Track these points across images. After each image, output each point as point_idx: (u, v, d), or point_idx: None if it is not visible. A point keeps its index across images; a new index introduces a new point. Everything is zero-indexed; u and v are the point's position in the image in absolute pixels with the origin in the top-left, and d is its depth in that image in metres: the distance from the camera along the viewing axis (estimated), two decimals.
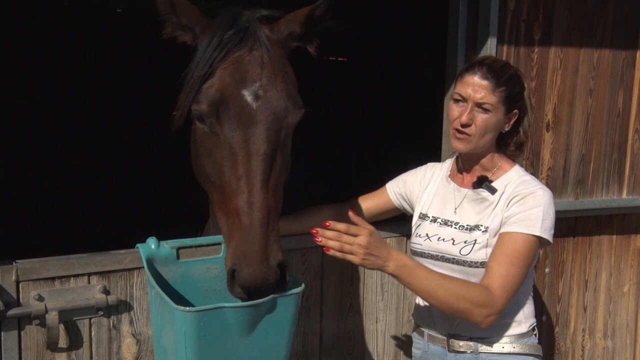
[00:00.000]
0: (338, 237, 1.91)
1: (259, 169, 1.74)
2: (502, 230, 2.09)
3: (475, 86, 2.11)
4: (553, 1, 2.93)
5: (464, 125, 2.12)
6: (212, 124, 1.79)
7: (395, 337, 2.76)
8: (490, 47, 2.76)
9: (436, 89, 3.42)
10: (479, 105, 2.10)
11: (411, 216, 2.43)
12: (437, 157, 2.73)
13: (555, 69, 3.00)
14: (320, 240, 1.90)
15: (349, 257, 1.91)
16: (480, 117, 2.11)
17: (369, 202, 2.49)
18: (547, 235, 2.07)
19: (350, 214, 2.01)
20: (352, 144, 6.87)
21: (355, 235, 1.91)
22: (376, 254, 1.92)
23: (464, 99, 2.13)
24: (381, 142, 6.26)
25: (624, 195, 3.27)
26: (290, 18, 1.98)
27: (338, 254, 1.90)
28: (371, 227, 1.96)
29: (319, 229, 1.92)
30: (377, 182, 2.57)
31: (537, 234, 2.05)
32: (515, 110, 2.18)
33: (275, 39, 1.92)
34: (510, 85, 2.13)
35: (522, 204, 2.09)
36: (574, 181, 3.14)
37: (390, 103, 6.64)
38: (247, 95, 1.77)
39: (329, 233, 1.91)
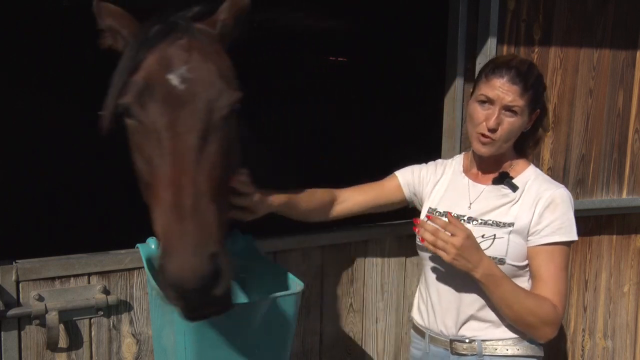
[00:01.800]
0: (435, 232, 1.99)
1: (186, 151, 1.60)
2: (542, 241, 2.11)
3: (504, 89, 2.07)
4: (553, 1, 2.93)
5: (492, 130, 2.09)
6: (138, 114, 1.67)
7: (395, 337, 2.76)
8: (490, 47, 2.77)
9: (436, 89, 3.42)
10: (507, 108, 2.08)
11: (413, 210, 2.43)
12: (437, 157, 2.73)
13: (555, 69, 3.00)
14: (418, 230, 2.04)
15: (440, 252, 1.98)
16: (507, 121, 2.09)
17: (372, 191, 2.42)
18: (577, 235, 2.15)
19: (448, 216, 2.08)
20: (352, 144, 6.87)
21: (452, 234, 1.97)
22: (467, 257, 1.97)
23: (491, 101, 2.09)
24: (381, 141, 6.26)
25: (624, 195, 3.27)
26: (221, 10, 1.92)
27: (431, 247, 1.99)
28: (468, 230, 2.00)
29: (420, 220, 2.07)
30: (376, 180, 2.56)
31: (575, 238, 2.12)
32: (538, 110, 2.19)
33: (207, 31, 1.85)
34: (536, 87, 2.13)
35: (553, 210, 2.11)
36: (574, 181, 3.14)
37: (390, 103, 6.64)
38: (173, 79, 1.67)
39: (428, 226, 2.01)
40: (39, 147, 5.44)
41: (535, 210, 2.12)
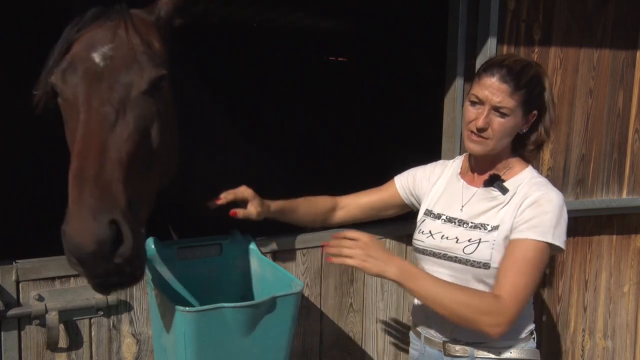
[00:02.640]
0: (337, 244, 1.95)
1: (99, 122, 1.66)
2: (513, 237, 2.04)
3: (493, 89, 2.04)
4: (553, 1, 2.93)
5: (480, 130, 2.07)
6: (62, 91, 1.75)
7: (395, 337, 2.76)
8: (490, 47, 2.76)
9: (436, 89, 3.42)
10: (496, 109, 2.05)
11: (417, 213, 2.42)
12: (437, 157, 2.73)
13: (555, 69, 3.00)
14: (326, 251, 1.97)
15: (348, 261, 1.91)
16: (497, 122, 2.05)
17: (374, 196, 2.45)
18: (560, 242, 2.02)
19: (345, 231, 2.03)
20: (352, 144, 6.87)
21: (354, 240, 1.94)
22: (376, 256, 1.92)
23: (481, 102, 2.07)
24: (381, 141, 6.26)
25: (624, 195, 3.27)
26: None
27: (337, 260, 1.91)
28: (369, 235, 1.99)
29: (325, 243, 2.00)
30: (377, 182, 2.56)
31: (550, 241, 1.99)
32: (534, 112, 2.12)
33: (143, 17, 1.91)
34: (530, 87, 2.07)
35: (535, 208, 2.04)
36: (574, 181, 3.14)
37: (390, 103, 6.64)
38: (95, 57, 1.74)
39: (332, 243, 1.96)
40: (39, 147, 5.44)
41: (519, 209, 2.06)
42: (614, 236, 3.32)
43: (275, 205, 2.25)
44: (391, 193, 2.46)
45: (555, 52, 2.98)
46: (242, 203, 2.17)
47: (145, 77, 1.75)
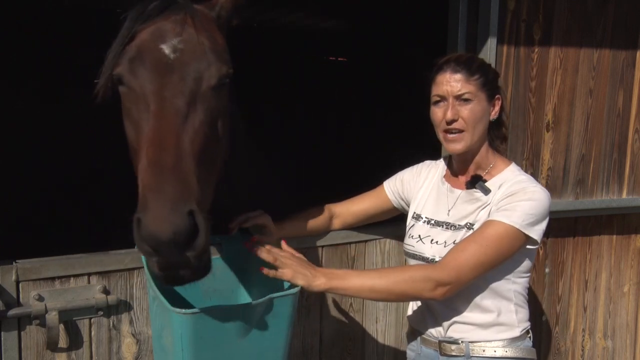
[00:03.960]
0: (269, 250, 1.97)
1: (172, 113, 1.64)
2: (485, 219, 2.06)
3: (449, 81, 2.10)
4: (553, 1, 2.93)
5: (451, 122, 2.10)
6: (129, 81, 1.73)
7: (395, 337, 2.76)
8: (490, 47, 2.77)
9: None
10: (458, 97, 2.09)
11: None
12: (436, 157, 2.73)
13: (555, 69, 3.00)
14: (251, 247, 1.98)
15: (281, 272, 1.90)
16: (465, 108, 2.09)
17: (365, 202, 2.48)
18: (530, 231, 2.00)
19: (283, 243, 2.08)
20: (352, 144, 6.87)
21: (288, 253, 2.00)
22: (305, 268, 1.94)
23: (443, 98, 2.12)
24: (381, 141, 6.26)
25: (624, 195, 3.27)
26: None
27: (271, 273, 1.90)
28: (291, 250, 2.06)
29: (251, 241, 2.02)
30: (377, 182, 2.56)
31: (517, 226, 1.98)
32: (498, 96, 2.17)
33: (204, 11, 1.90)
34: (482, 72, 2.13)
35: (511, 197, 2.05)
36: (574, 181, 3.14)
37: (390, 103, 6.64)
38: (165, 48, 1.72)
39: (265, 246, 2.00)
40: (40, 147, 5.44)
41: (497, 204, 2.08)
42: (614, 236, 3.33)
43: (281, 228, 2.27)
44: (382, 199, 2.48)
45: (555, 52, 2.98)
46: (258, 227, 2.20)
47: (215, 73, 1.75)
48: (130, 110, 1.73)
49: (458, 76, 2.10)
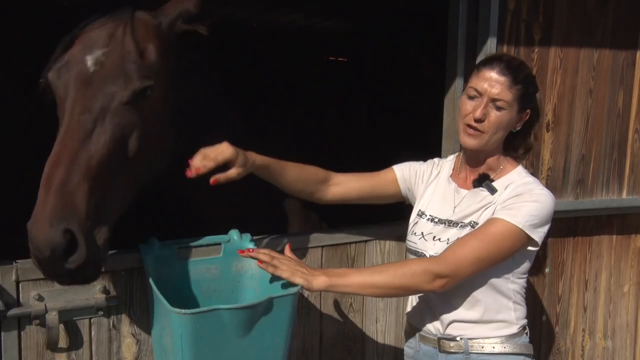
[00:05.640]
0: (269, 253, 2.01)
1: (75, 130, 1.73)
2: (489, 216, 2.08)
3: (492, 81, 2.07)
4: (553, 1, 2.93)
5: (478, 121, 2.08)
6: (56, 87, 1.83)
7: (395, 337, 2.76)
8: (490, 47, 2.76)
9: (436, 89, 3.42)
10: (493, 101, 2.07)
11: (410, 211, 2.43)
12: (437, 157, 2.73)
13: (555, 69, 3.00)
14: (247, 252, 2.02)
15: (279, 270, 1.94)
16: (494, 114, 2.08)
17: (372, 181, 2.41)
18: (532, 232, 2.02)
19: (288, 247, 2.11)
20: (352, 144, 6.87)
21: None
22: (302, 267, 1.97)
23: (479, 94, 2.09)
24: (381, 141, 6.26)
25: (624, 195, 3.27)
26: (170, 2, 1.99)
27: (270, 269, 1.94)
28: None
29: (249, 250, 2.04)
30: None
31: (520, 225, 1.99)
32: (528, 110, 2.16)
33: (146, 20, 1.93)
34: (526, 84, 2.11)
35: (516, 197, 2.06)
36: (574, 181, 3.14)
37: (390, 103, 6.63)
38: (88, 60, 1.80)
39: (262, 250, 2.04)
40: (40, 147, 5.43)
41: (502, 204, 2.09)
42: (614, 236, 3.32)
43: (261, 159, 2.09)
44: (389, 181, 2.42)
45: (555, 52, 2.98)
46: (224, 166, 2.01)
47: (129, 88, 1.79)
48: (59, 118, 1.83)
49: (503, 79, 2.07)
